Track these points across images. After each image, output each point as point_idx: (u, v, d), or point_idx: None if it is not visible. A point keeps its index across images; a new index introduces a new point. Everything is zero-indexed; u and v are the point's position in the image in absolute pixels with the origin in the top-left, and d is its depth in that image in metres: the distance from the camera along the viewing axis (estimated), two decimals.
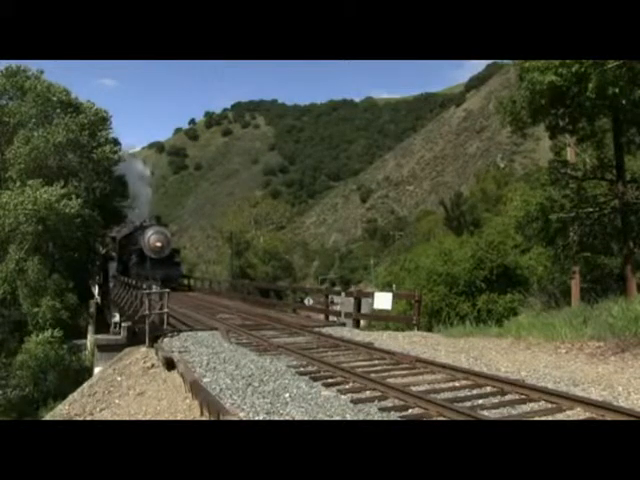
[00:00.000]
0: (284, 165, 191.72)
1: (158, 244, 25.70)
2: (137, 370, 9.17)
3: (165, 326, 11.34)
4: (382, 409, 5.56)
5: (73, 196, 22.29)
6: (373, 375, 6.97)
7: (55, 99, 25.84)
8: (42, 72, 27.16)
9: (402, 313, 16.16)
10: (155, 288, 17.53)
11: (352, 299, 14.45)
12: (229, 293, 23.96)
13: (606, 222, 13.91)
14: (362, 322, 15.50)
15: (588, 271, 16.28)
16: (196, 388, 6.39)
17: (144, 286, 12.66)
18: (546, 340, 9.05)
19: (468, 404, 5.69)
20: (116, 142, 29.38)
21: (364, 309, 15.43)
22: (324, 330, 11.76)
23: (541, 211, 13.61)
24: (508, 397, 6.00)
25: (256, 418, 5.25)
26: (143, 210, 33.00)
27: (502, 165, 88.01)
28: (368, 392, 6.28)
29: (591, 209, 13.31)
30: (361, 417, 5.31)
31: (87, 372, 15.76)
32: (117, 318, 11.92)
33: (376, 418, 5.29)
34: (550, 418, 5.18)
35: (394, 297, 13.63)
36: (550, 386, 6.24)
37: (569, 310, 11.62)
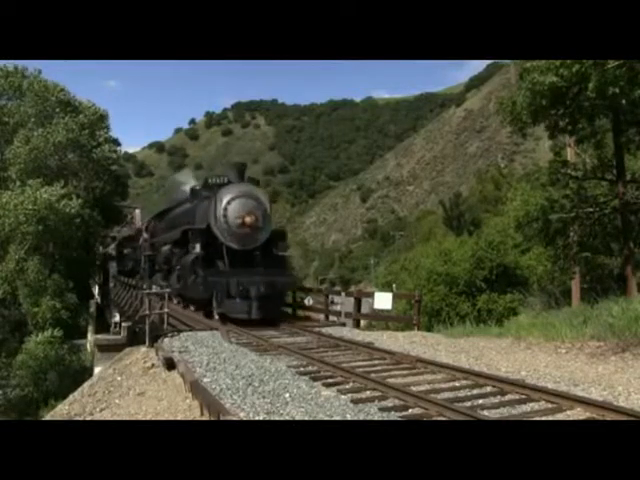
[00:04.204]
0: (284, 165, 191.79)
1: (249, 219, 12.92)
2: (137, 370, 9.16)
3: (165, 326, 11.33)
4: (382, 409, 5.55)
5: (73, 196, 22.29)
6: (373, 375, 6.96)
7: (54, 98, 25.83)
8: (40, 71, 27.19)
9: (402, 313, 16.17)
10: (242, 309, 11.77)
11: (352, 299, 14.44)
12: None
13: (606, 222, 13.92)
14: (362, 322, 15.50)
15: (588, 271, 16.29)
16: (196, 388, 6.39)
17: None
18: (546, 340, 9.05)
19: (468, 404, 5.69)
20: (116, 142, 29.41)
21: (364, 309, 15.43)
22: (324, 330, 11.75)
23: (541, 211, 13.62)
24: (508, 397, 6.00)
25: (256, 418, 5.25)
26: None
27: (502, 165, 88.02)
28: (368, 392, 6.28)
29: (591, 209, 13.32)
30: (361, 417, 5.30)
31: (87, 372, 15.76)
32: (117, 318, 11.89)
33: (376, 418, 5.29)
34: (550, 418, 5.18)
35: (394, 297, 13.62)
36: (550, 386, 6.24)
37: (569, 310, 11.63)
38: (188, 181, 19.93)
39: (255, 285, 12.10)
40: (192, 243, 13.30)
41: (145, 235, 21.97)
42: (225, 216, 13.12)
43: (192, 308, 14.76)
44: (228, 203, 13.20)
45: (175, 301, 16.08)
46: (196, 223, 14.06)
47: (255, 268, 12.95)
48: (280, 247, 14.24)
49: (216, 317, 12.59)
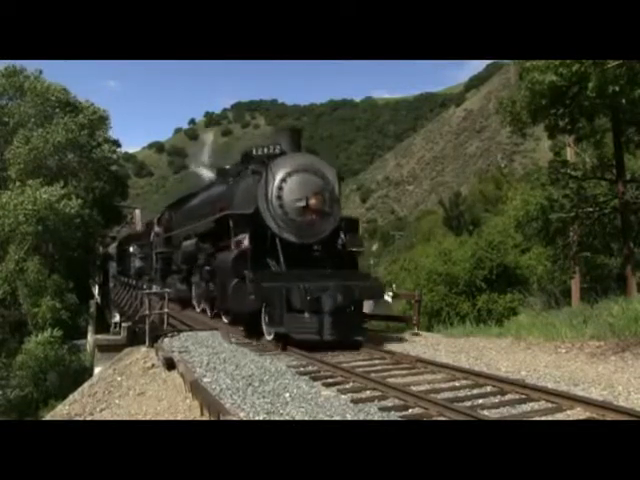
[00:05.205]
0: None
1: (314, 202, 9.55)
2: (137, 370, 9.15)
3: (165, 326, 11.33)
4: (382, 409, 5.55)
5: (73, 196, 22.31)
6: (373, 375, 6.96)
7: (54, 98, 25.85)
8: (41, 72, 27.21)
9: (402, 313, 16.17)
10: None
11: None
12: None
13: (606, 222, 13.93)
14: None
15: (588, 271, 16.30)
16: (196, 388, 6.38)
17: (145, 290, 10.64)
18: (546, 340, 9.05)
19: (468, 404, 5.69)
20: (116, 143, 29.48)
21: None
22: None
23: (541, 210, 13.63)
24: (508, 397, 6.00)
25: (256, 418, 5.25)
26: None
27: (502, 165, 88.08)
28: (368, 392, 6.27)
29: (591, 209, 13.33)
30: (361, 417, 5.30)
31: (87, 372, 15.76)
32: (117, 318, 11.89)
33: (376, 418, 5.29)
34: (550, 418, 5.18)
35: (394, 297, 13.61)
36: (550, 386, 6.24)
37: (569, 310, 11.63)
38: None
39: (328, 293, 8.61)
40: (235, 234, 9.75)
41: (157, 229, 18.37)
42: (280, 197, 9.58)
43: (225, 320, 11.57)
44: (283, 180, 9.61)
45: (198, 309, 13.62)
46: (234, 208, 10.23)
47: (320, 269, 9.54)
48: (350, 241, 10.35)
49: (268, 338, 9.35)
